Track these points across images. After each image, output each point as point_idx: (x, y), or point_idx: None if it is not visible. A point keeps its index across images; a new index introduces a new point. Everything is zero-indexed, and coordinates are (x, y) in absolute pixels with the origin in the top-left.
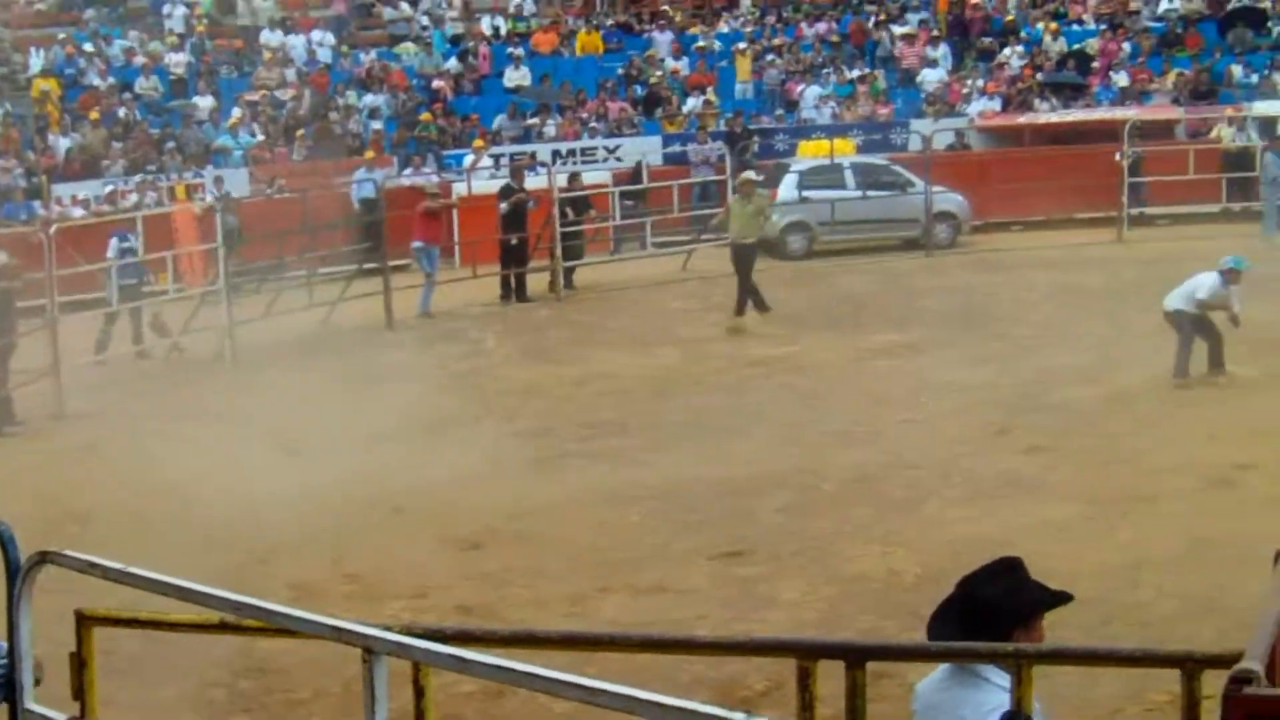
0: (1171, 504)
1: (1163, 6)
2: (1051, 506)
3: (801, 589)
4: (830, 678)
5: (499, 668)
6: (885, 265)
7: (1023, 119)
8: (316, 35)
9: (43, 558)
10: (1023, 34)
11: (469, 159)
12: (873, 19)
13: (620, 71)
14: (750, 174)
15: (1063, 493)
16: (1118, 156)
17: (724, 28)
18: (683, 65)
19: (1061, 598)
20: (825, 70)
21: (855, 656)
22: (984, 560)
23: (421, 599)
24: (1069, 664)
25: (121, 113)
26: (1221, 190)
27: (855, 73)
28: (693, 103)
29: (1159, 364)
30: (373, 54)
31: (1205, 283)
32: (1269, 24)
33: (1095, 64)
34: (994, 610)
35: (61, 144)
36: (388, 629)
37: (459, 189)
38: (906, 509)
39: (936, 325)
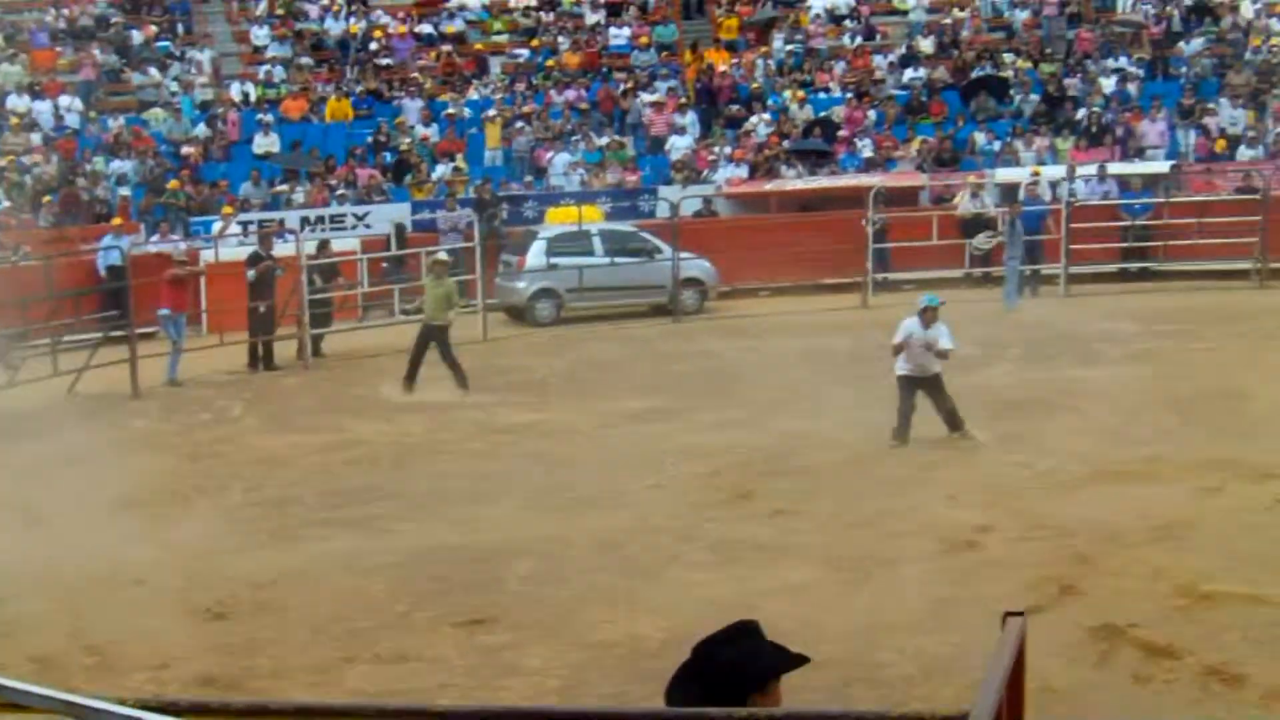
0: (912, 566)
1: (908, 75)
2: (794, 570)
3: (545, 656)
4: None
5: None
6: (633, 331)
7: (769, 186)
8: (64, 100)
9: None
10: (770, 102)
11: (217, 226)
12: (621, 87)
13: (370, 138)
14: (441, 255)
15: (805, 556)
16: (865, 223)
17: (474, 95)
18: (432, 132)
19: (798, 660)
20: (574, 137)
21: None
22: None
23: (164, 670)
24: None
25: None
26: (964, 256)
27: (604, 140)
28: (442, 169)
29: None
30: (121, 120)
31: (904, 328)
32: (1011, 92)
33: (841, 131)
34: (731, 674)
35: None
36: (122, 702)
37: (206, 256)
38: (651, 574)
39: (683, 390)
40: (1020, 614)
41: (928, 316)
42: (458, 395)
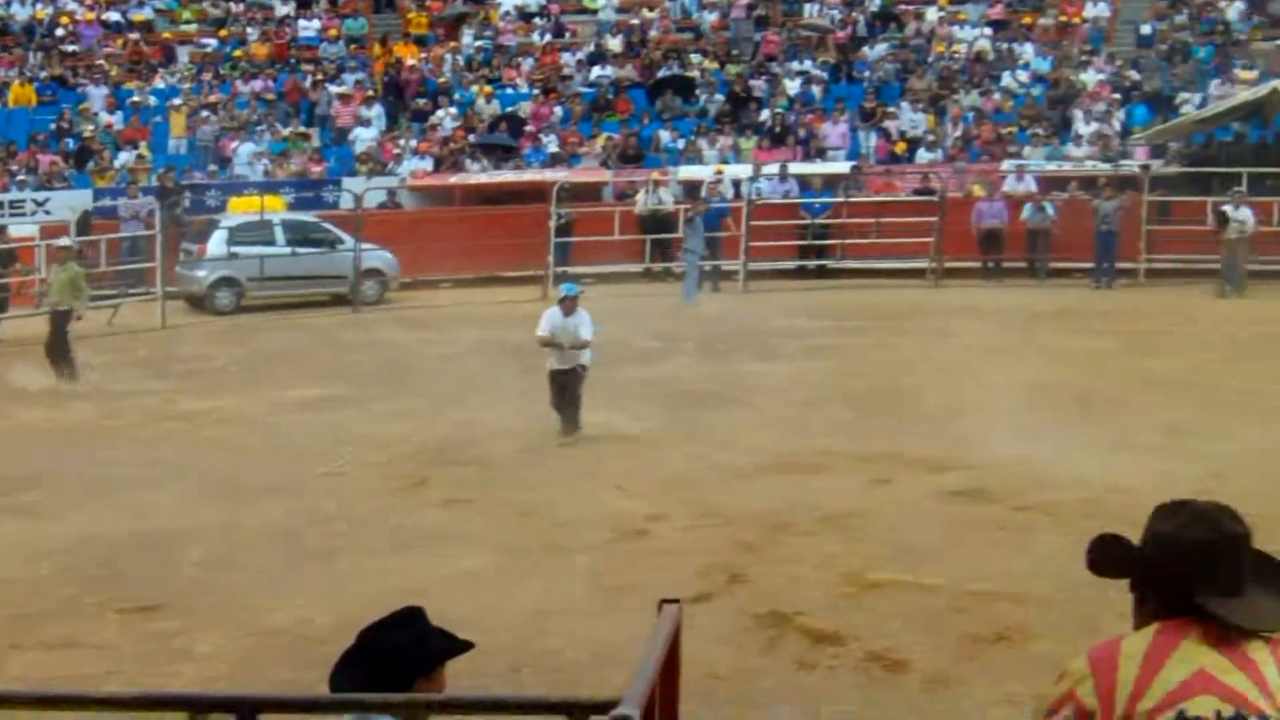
0: (583, 555)
1: (595, 73)
2: (467, 557)
3: (216, 642)
4: None
5: None
6: (313, 321)
7: (454, 179)
8: None
9: None
10: (456, 96)
11: None
12: (309, 78)
13: (53, 124)
14: (65, 240)
15: (479, 544)
16: (551, 218)
17: (160, 83)
18: (117, 119)
19: (463, 646)
20: (259, 127)
21: (246, 709)
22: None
23: None
24: (460, 713)
25: None
26: (645, 251)
27: (289, 130)
28: (125, 157)
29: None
30: None
31: (546, 319)
32: (697, 92)
33: (528, 127)
34: (396, 659)
35: None
36: None
37: None
38: (324, 561)
39: (361, 380)
40: (676, 601)
41: (567, 305)
42: (53, 383)
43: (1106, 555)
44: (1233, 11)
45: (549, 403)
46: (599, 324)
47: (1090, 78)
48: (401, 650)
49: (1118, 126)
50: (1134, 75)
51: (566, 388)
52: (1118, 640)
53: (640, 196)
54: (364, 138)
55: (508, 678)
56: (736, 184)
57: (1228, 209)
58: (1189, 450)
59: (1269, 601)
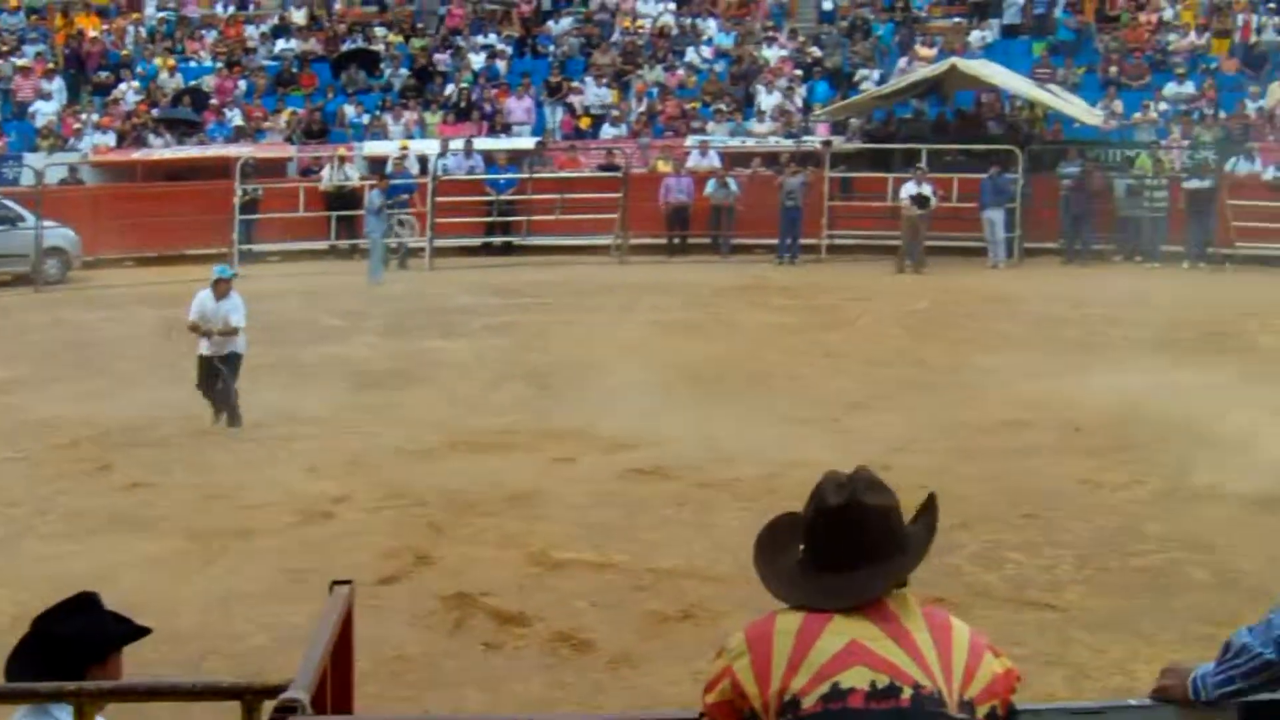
0: (268, 538)
1: (279, 46)
2: (152, 542)
3: None
4: None
5: None
6: None
7: (136, 155)
8: None
9: None
10: (140, 69)
11: None
12: None
13: None
14: None
15: (163, 528)
16: (236, 194)
17: None
18: None
19: (138, 632)
20: None
21: None
22: None
23: None
24: (131, 700)
25: None
26: (330, 228)
27: None
28: None
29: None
30: None
31: (197, 302)
32: (381, 66)
33: (212, 101)
34: (70, 647)
35: None
36: None
37: None
38: (3, 547)
39: (43, 361)
40: (348, 582)
41: (219, 289)
42: None
43: (773, 536)
44: None
45: (195, 386)
46: (270, 305)
47: (773, 54)
48: (73, 638)
49: (799, 103)
50: (816, 52)
51: (218, 375)
52: (773, 615)
53: (326, 172)
54: (44, 112)
55: (194, 664)
56: (422, 160)
57: (912, 187)
58: (869, 425)
59: (871, 573)
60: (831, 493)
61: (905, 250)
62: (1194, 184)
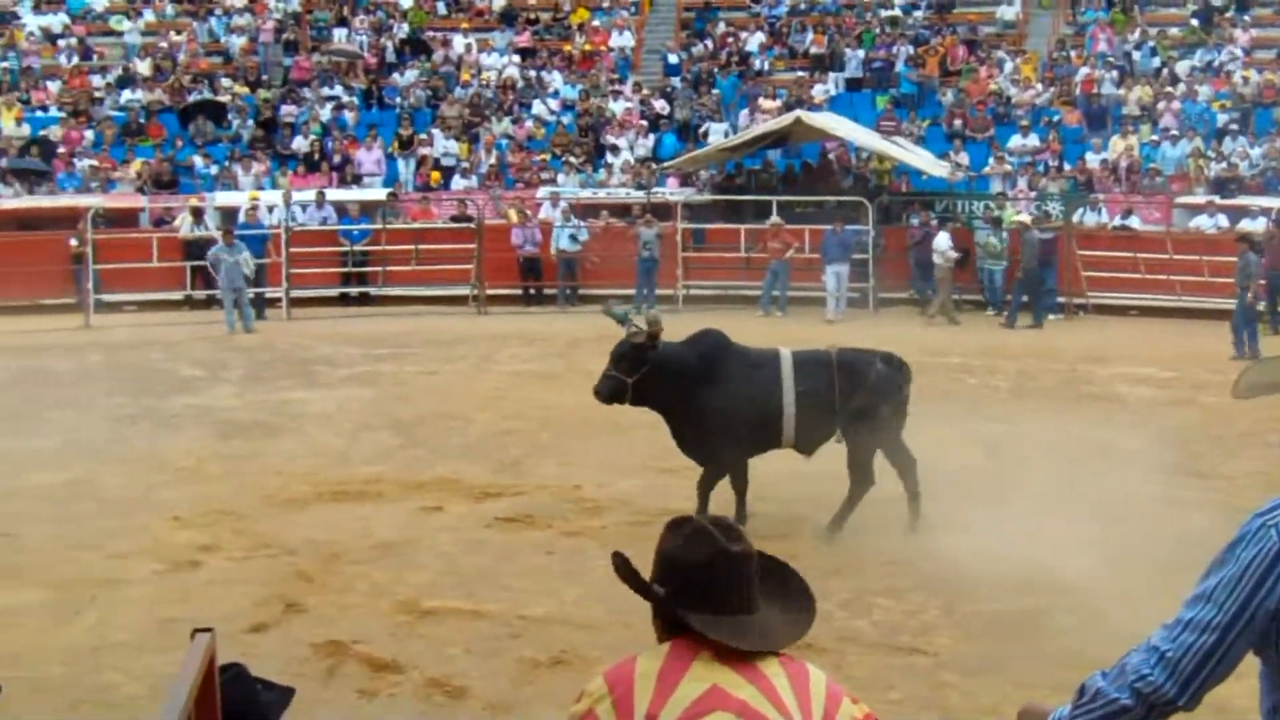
0: (136, 588)
1: (125, 97)
2: (14, 593)
3: None
4: None
5: None
6: None
7: None
8: None
9: None
10: None
11: None
12: None
13: None
14: None
15: (27, 579)
16: (73, 243)
17: None
18: None
19: None
20: None
21: None
22: None
23: None
24: None
25: None
26: (186, 278)
27: None
28: None
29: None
30: None
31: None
32: (229, 117)
33: (60, 151)
34: None
35: None
36: None
37: None
38: None
39: None
40: (209, 630)
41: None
42: None
43: (622, 576)
44: (753, 43)
45: None
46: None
47: (618, 107)
48: None
49: (646, 154)
50: (662, 105)
51: None
52: (633, 659)
53: (181, 223)
54: None
55: (68, 715)
56: (272, 210)
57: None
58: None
59: (776, 620)
60: (725, 539)
61: (941, 302)
62: (1037, 235)
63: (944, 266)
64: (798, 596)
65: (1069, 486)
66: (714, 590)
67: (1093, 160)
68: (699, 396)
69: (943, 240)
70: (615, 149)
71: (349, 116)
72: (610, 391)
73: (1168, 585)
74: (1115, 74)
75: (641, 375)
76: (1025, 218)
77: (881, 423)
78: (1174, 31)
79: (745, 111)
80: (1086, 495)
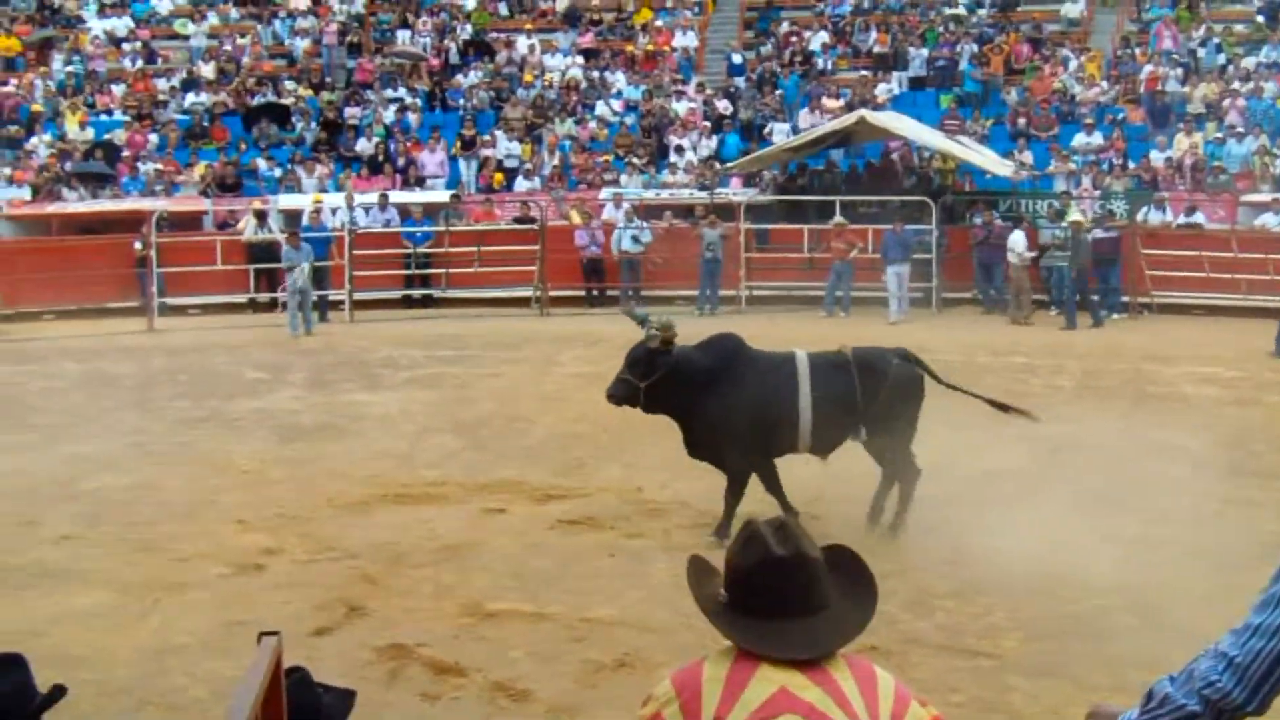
0: (200, 591)
1: (189, 100)
2: (82, 595)
3: None
4: None
5: None
6: None
7: (51, 208)
8: None
9: None
10: (50, 123)
11: None
12: None
13: None
14: None
15: (94, 581)
16: (137, 246)
17: None
18: None
19: (54, 695)
20: None
21: None
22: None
23: None
24: None
25: None
26: (250, 281)
27: None
28: None
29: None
30: None
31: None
32: (293, 120)
33: (124, 154)
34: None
35: None
36: None
37: None
38: None
39: None
40: (275, 633)
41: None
42: None
43: (692, 581)
44: (816, 43)
45: None
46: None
47: (682, 107)
48: (8, 697)
49: (709, 154)
50: (725, 105)
51: None
52: (700, 662)
53: (246, 226)
54: None
55: (135, 716)
56: (335, 213)
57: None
58: (788, 476)
59: (834, 621)
60: (776, 543)
61: (1017, 302)
62: (1100, 234)
63: (1019, 266)
64: (863, 595)
65: (1132, 486)
66: (762, 595)
67: (1157, 158)
68: (714, 400)
69: (1018, 239)
70: (681, 149)
71: (412, 118)
72: (622, 395)
73: (1232, 586)
74: (1180, 71)
75: (654, 380)
76: (1079, 217)
77: (904, 417)
78: (1239, 28)
79: (805, 110)
80: (1150, 495)
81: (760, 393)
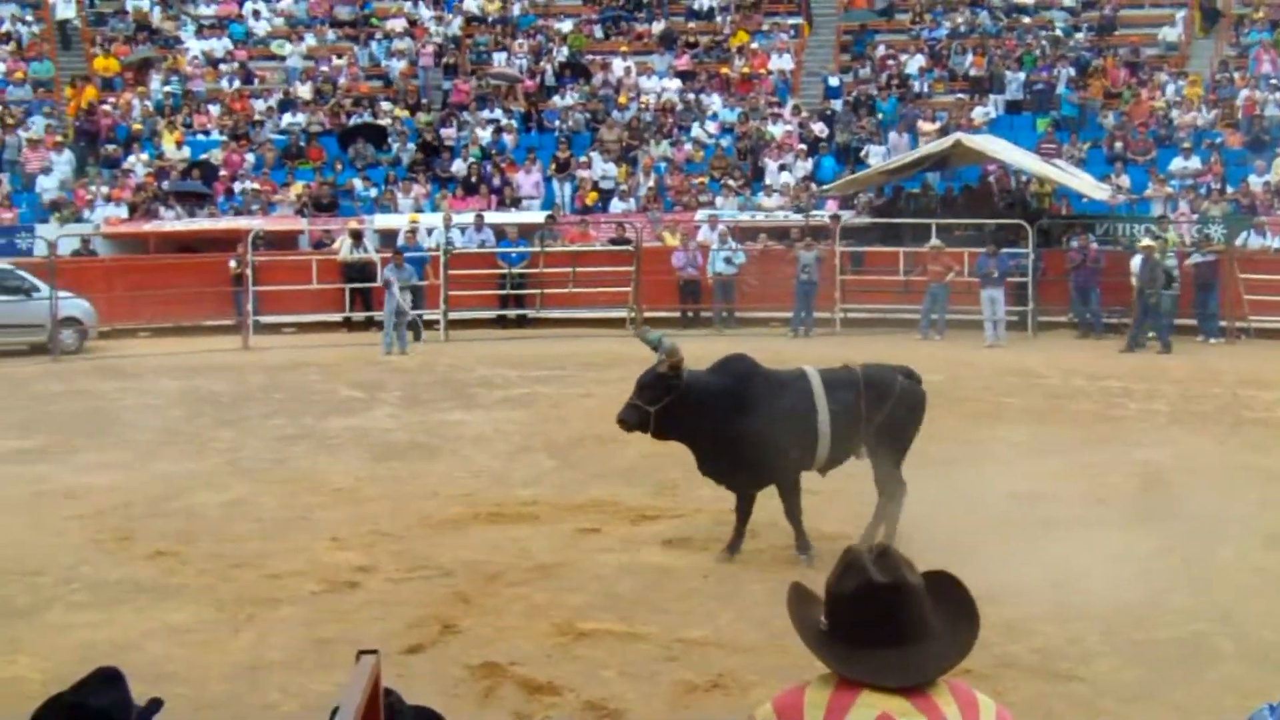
0: (294, 607)
1: (285, 120)
2: (175, 611)
3: None
4: None
5: None
6: (10, 370)
7: (148, 226)
8: None
9: None
10: (148, 142)
11: None
12: None
13: None
14: None
15: (187, 597)
16: (233, 264)
17: None
18: None
19: (151, 708)
20: None
21: None
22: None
23: None
24: None
25: None
26: (345, 300)
27: None
28: None
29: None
30: None
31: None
32: (389, 140)
33: (221, 174)
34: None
35: None
36: None
37: None
38: (29, 616)
39: (61, 431)
40: (374, 652)
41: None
42: None
43: (793, 609)
44: (913, 66)
45: None
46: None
47: (777, 130)
48: (109, 712)
49: (804, 176)
50: (820, 128)
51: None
52: (802, 688)
53: (342, 245)
54: (48, 184)
55: None
56: (431, 233)
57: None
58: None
59: (935, 649)
60: (876, 570)
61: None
62: (1198, 258)
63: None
64: (964, 621)
65: (1229, 513)
66: (862, 623)
67: (1255, 183)
68: (733, 423)
69: (1138, 264)
70: (784, 167)
71: (508, 139)
72: (634, 420)
73: None
74: (1278, 96)
75: (665, 404)
76: (1151, 242)
77: (906, 435)
78: None
79: (894, 132)
80: (1246, 522)
81: (783, 410)
